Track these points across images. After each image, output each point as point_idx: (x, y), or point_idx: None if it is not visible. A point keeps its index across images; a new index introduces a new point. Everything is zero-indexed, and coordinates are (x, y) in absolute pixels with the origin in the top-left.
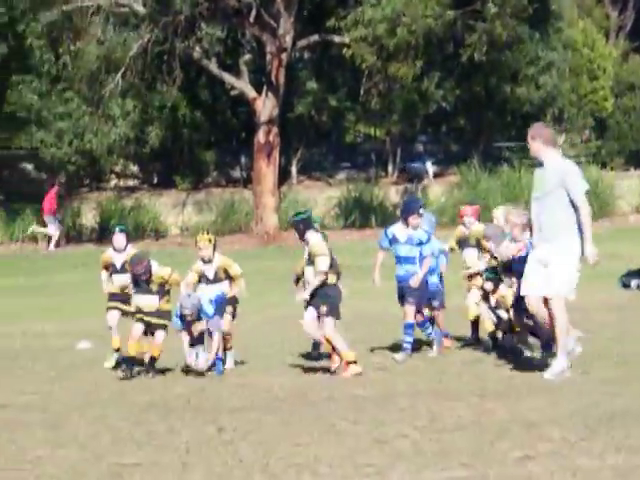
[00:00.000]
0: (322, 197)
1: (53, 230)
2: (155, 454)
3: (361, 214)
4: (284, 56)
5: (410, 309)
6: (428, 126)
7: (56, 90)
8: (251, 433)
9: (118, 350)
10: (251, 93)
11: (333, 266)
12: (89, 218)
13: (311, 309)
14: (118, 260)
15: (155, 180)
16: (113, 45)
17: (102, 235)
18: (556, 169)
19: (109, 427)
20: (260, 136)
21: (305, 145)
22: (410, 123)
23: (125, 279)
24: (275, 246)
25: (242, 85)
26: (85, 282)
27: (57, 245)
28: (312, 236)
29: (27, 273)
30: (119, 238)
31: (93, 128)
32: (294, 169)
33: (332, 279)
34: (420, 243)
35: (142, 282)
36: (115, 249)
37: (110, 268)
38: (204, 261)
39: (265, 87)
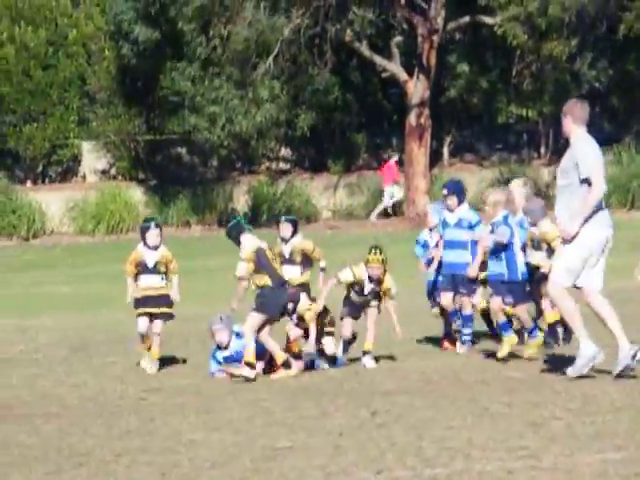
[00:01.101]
0: (474, 179)
1: (387, 200)
2: (308, 437)
3: None
4: (435, 38)
5: (466, 300)
6: None
7: (208, 75)
8: (404, 416)
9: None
10: (402, 75)
11: (262, 267)
12: (241, 202)
13: None
14: (150, 258)
15: (307, 163)
16: (264, 29)
17: (254, 219)
18: (572, 151)
19: (262, 411)
20: (412, 118)
21: (457, 127)
22: (562, 104)
23: (155, 280)
24: (424, 227)
25: (393, 67)
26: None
27: (383, 216)
28: (244, 239)
29: (180, 257)
30: (153, 234)
31: (242, 111)
32: (446, 151)
33: (264, 280)
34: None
35: None
36: (148, 246)
37: (139, 267)
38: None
39: (416, 69)
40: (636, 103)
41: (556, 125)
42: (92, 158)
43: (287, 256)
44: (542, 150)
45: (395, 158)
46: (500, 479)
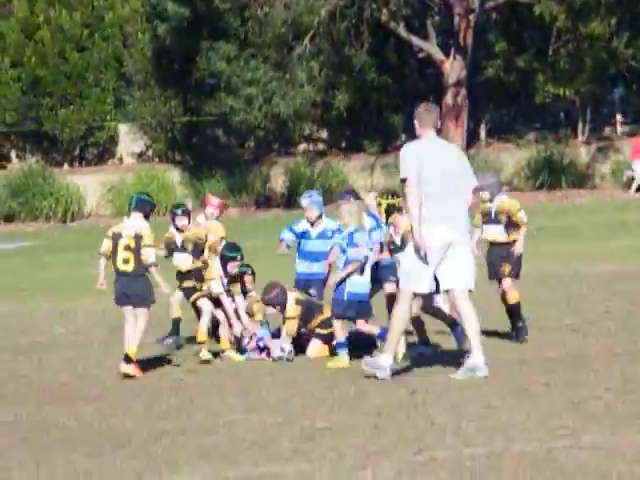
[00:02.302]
0: (511, 158)
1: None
2: (347, 417)
3: (551, 175)
4: (472, 17)
5: None
6: (618, 85)
7: (244, 55)
8: (442, 396)
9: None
10: (439, 55)
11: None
12: (279, 183)
13: None
14: (178, 238)
15: (343, 144)
16: (300, 10)
17: (291, 200)
18: None
19: (301, 391)
20: (448, 98)
21: (494, 107)
22: (600, 83)
23: (184, 258)
24: None
25: (430, 47)
26: (271, 247)
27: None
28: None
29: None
30: (183, 219)
31: (281, 92)
32: (483, 131)
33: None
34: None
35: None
36: (178, 229)
37: (172, 245)
38: None
39: (453, 49)
40: None
41: (594, 104)
42: (129, 140)
43: None
44: (579, 129)
45: None
46: (539, 459)
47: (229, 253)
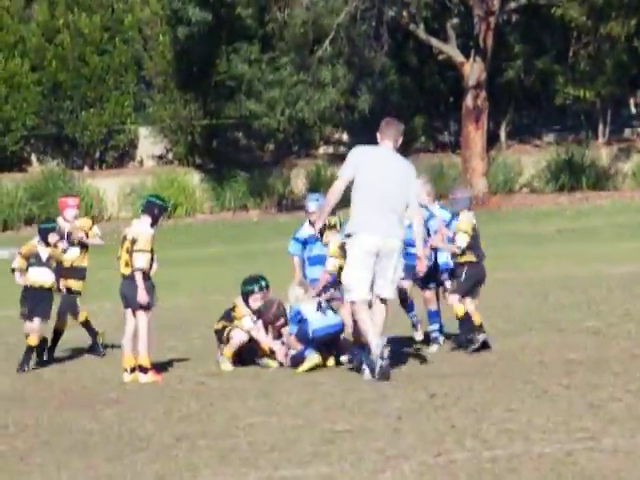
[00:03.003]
0: (531, 160)
1: None
2: (367, 420)
3: (571, 177)
4: (492, 19)
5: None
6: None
7: (266, 58)
8: (462, 399)
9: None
10: (459, 57)
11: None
12: (299, 186)
13: None
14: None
15: None
16: (321, 12)
17: None
18: None
19: (321, 394)
20: (468, 100)
21: (514, 109)
22: (620, 84)
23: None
24: (484, 210)
25: (450, 49)
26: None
27: None
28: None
29: (238, 241)
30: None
31: (305, 96)
32: (503, 133)
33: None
34: None
35: None
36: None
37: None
38: None
39: (473, 51)
40: None
41: (614, 106)
42: (149, 143)
43: None
44: (600, 131)
45: None
46: (560, 461)
47: (246, 287)
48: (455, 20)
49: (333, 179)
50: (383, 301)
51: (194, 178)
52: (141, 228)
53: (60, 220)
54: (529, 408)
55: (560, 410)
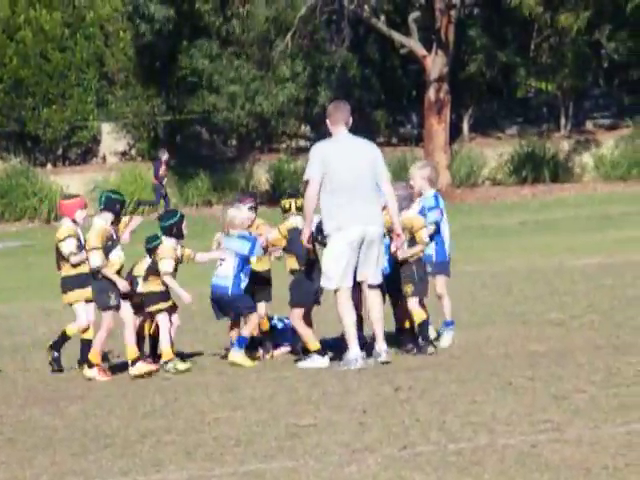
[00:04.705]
0: (494, 153)
1: None
2: (332, 414)
3: (534, 169)
4: (453, 13)
5: None
6: (600, 79)
7: (226, 54)
8: (427, 392)
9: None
10: (421, 51)
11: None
12: (262, 180)
13: None
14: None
15: None
16: (282, 6)
17: (275, 197)
18: None
19: (286, 388)
20: (430, 94)
21: (476, 102)
22: (582, 76)
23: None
24: (448, 203)
25: (411, 43)
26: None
27: None
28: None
29: (201, 237)
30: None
31: (263, 91)
32: (465, 126)
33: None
34: None
35: None
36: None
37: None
38: None
39: (435, 45)
40: None
41: (576, 98)
42: (112, 139)
43: None
44: (562, 123)
45: None
46: (524, 453)
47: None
48: (416, 14)
49: (296, 173)
50: (373, 288)
51: None
52: (93, 224)
53: (70, 224)
54: (493, 400)
55: (524, 402)
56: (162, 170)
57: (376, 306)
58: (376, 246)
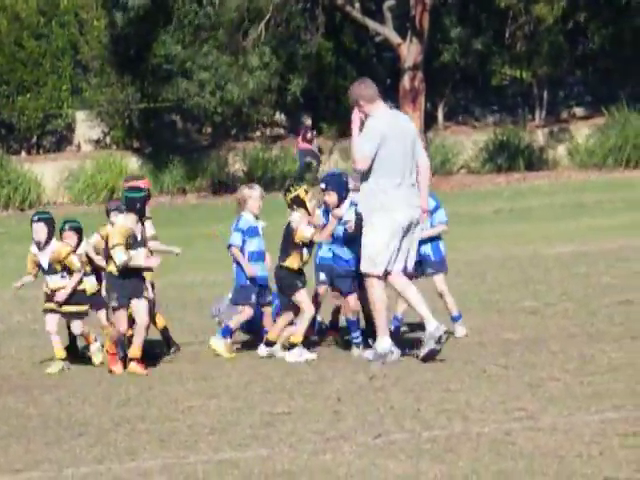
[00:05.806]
0: (469, 141)
1: None
2: (306, 402)
3: (508, 157)
4: (428, 1)
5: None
6: (576, 68)
7: (198, 41)
8: (401, 380)
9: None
10: (396, 39)
11: None
12: (237, 168)
13: None
14: (43, 259)
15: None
16: None
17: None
18: None
19: (260, 377)
20: (405, 82)
21: (451, 90)
22: (557, 65)
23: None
24: None
25: (386, 31)
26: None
27: None
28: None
29: (176, 225)
30: (37, 228)
31: (234, 78)
32: (440, 114)
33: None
34: None
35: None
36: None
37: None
38: None
39: (410, 33)
40: (629, 64)
41: (551, 87)
42: (86, 127)
43: None
44: (537, 112)
45: None
46: (498, 440)
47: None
48: (391, 1)
49: (271, 161)
50: (403, 274)
51: (132, 162)
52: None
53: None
54: (467, 388)
55: (498, 390)
56: (309, 135)
57: (413, 288)
58: (418, 229)
